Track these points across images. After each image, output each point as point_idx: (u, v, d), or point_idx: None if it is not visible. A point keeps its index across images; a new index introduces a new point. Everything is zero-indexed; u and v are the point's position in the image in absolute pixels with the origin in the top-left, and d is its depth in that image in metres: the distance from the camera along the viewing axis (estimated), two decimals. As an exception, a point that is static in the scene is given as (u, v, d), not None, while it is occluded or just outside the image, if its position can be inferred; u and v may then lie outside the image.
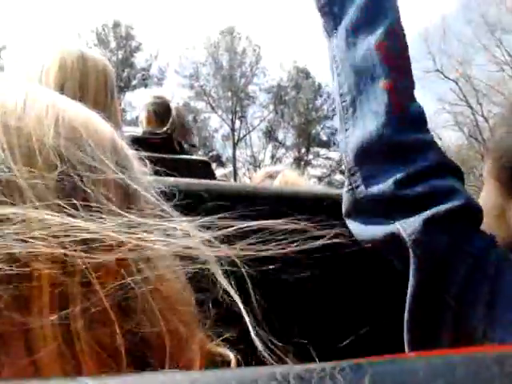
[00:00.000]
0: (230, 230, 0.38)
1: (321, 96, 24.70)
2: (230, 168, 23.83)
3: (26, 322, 0.29)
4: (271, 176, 1.54)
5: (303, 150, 24.60)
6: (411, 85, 0.68)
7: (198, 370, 0.35)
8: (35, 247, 0.29)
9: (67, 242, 0.30)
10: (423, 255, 0.59)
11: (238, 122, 24.30)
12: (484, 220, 0.63)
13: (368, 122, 0.65)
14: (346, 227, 0.68)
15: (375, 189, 0.64)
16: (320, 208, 0.76)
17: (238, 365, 0.40)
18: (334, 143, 24.37)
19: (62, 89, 0.97)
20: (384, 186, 0.63)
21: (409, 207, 0.62)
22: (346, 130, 0.68)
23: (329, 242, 0.74)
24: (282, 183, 1.48)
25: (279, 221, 0.44)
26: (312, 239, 0.74)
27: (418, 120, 0.67)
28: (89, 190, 0.33)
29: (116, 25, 23.64)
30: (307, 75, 24.62)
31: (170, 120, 1.82)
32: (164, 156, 1.34)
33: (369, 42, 0.67)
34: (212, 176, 1.52)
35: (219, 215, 0.39)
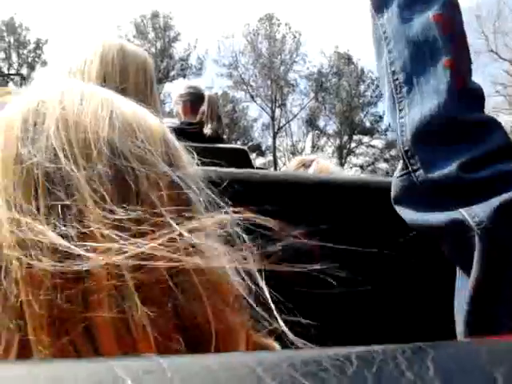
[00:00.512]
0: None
1: (364, 82, 24.28)
2: (269, 157, 23.83)
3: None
4: (305, 165, 1.54)
5: (345, 138, 24.29)
6: (469, 59, 0.65)
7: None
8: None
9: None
10: (491, 244, 0.56)
11: (277, 111, 24.24)
12: None
13: (427, 100, 0.62)
14: (389, 215, 0.67)
15: (437, 173, 0.60)
16: (360, 195, 0.76)
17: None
18: (378, 131, 23.94)
19: (103, 81, 1.00)
20: (447, 169, 0.59)
21: (474, 193, 0.58)
22: (400, 110, 0.64)
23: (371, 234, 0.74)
24: (316, 172, 1.48)
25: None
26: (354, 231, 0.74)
27: (479, 97, 0.64)
28: (140, 182, 0.36)
29: (154, 15, 23.94)
30: (349, 60, 24.23)
31: (201, 110, 1.85)
32: (202, 145, 1.37)
33: (426, 14, 0.63)
34: (250, 165, 1.54)
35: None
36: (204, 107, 1.88)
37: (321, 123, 24.77)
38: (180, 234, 0.35)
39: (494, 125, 0.63)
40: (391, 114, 0.65)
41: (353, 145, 24.60)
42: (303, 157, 1.65)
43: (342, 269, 0.72)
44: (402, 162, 0.64)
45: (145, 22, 23.87)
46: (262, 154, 24.18)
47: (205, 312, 0.34)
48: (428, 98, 0.62)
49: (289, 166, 1.68)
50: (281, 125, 24.32)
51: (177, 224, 0.35)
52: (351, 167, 23.75)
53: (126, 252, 0.32)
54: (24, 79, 8.22)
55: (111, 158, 0.36)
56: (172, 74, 24.06)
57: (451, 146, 0.61)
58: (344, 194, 0.77)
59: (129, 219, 0.34)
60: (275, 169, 20.37)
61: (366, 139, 24.32)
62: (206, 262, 0.35)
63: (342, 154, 23.64)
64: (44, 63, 22.84)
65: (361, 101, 24.08)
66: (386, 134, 23.99)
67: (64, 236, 0.32)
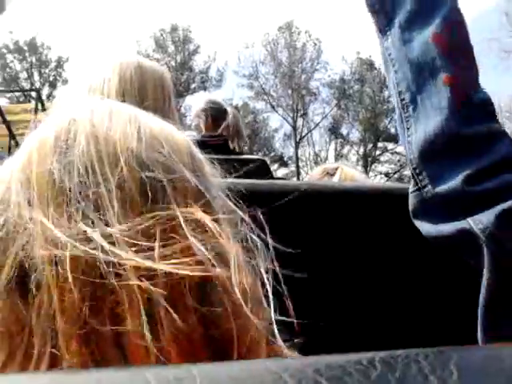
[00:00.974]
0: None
1: (387, 87, 24.06)
2: (292, 168, 23.82)
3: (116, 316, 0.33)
4: (329, 173, 1.55)
5: (370, 146, 24.13)
6: (474, 73, 0.67)
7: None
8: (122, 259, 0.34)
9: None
10: (498, 248, 0.58)
11: (299, 121, 24.25)
12: None
13: (431, 118, 0.65)
14: (410, 221, 0.68)
15: (443, 187, 0.63)
16: (383, 203, 0.76)
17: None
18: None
19: (123, 98, 1.03)
20: (453, 183, 0.62)
21: (481, 204, 0.60)
22: (408, 128, 0.67)
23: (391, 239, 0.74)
24: (340, 180, 1.49)
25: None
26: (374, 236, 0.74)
27: (483, 110, 0.66)
28: (167, 192, 0.38)
29: (174, 29, 24.32)
30: (371, 66, 24.14)
31: (224, 124, 1.91)
32: (222, 157, 1.41)
33: (424, 36, 0.66)
34: (270, 175, 1.56)
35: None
36: (226, 122, 1.92)
37: (344, 131, 24.71)
38: (205, 244, 0.37)
39: (498, 135, 0.64)
40: (401, 133, 0.69)
41: (377, 152, 24.43)
42: (326, 165, 1.66)
43: (366, 275, 0.73)
44: (412, 179, 0.67)
45: (164, 36, 24.27)
46: (284, 164, 24.18)
47: (228, 322, 0.36)
48: (431, 116, 0.64)
49: (312, 175, 1.69)
50: (303, 134, 24.32)
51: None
52: (375, 175, 23.55)
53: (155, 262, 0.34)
54: (40, 95, 8.44)
55: (139, 170, 0.38)
56: (193, 86, 24.35)
57: (456, 161, 0.63)
58: (368, 202, 0.78)
59: (154, 228, 0.36)
60: (298, 179, 20.33)
61: (390, 146, 24.11)
62: (230, 272, 0.37)
63: (367, 161, 23.48)
64: (65, 81, 23.40)
65: (385, 107, 23.92)
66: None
67: (96, 248, 0.34)
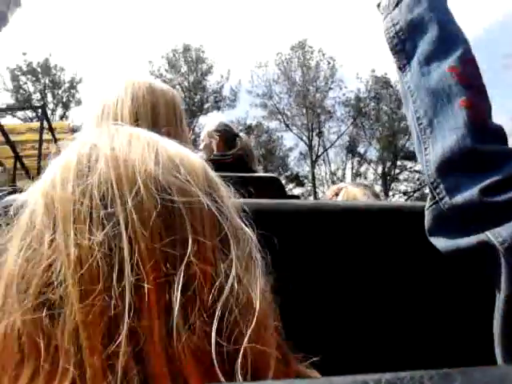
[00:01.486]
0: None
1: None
2: (308, 187, 23.82)
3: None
4: (336, 193, 1.58)
5: (388, 164, 24.07)
6: (488, 105, 0.72)
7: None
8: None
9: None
10: None
11: (314, 139, 24.32)
12: None
13: (448, 137, 0.69)
14: (422, 239, 0.70)
15: (460, 198, 0.65)
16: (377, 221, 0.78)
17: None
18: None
19: (136, 119, 1.06)
20: (469, 194, 0.64)
21: (498, 215, 0.62)
22: (426, 148, 0.71)
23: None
24: (344, 199, 1.53)
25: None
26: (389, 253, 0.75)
27: (498, 134, 0.70)
28: (184, 214, 0.40)
29: (186, 49, 24.72)
30: (387, 84, 24.23)
31: (238, 144, 1.99)
32: (234, 174, 1.44)
33: (442, 68, 0.73)
34: (282, 192, 1.60)
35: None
36: (238, 144, 2.01)
37: (361, 149, 24.72)
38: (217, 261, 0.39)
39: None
40: (419, 155, 0.73)
41: (397, 171, 24.35)
42: (337, 185, 1.70)
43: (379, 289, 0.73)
44: (429, 194, 0.70)
45: (177, 56, 24.65)
46: (300, 183, 24.20)
47: (242, 339, 0.37)
48: (448, 135, 0.69)
49: (326, 195, 1.74)
50: (318, 153, 24.37)
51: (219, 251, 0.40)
52: (394, 194, 23.43)
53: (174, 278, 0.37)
54: (45, 112, 8.15)
55: (157, 192, 0.40)
56: (206, 106, 24.62)
57: (472, 174, 0.66)
58: (365, 220, 0.79)
59: (173, 246, 0.38)
60: (314, 198, 20.31)
61: (410, 164, 24.04)
62: (245, 289, 0.39)
63: (386, 180, 23.40)
64: (78, 102, 23.86)
65: (402, 125, 23.91)
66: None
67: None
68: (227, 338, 0.37)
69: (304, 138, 24.39)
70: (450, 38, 0.75)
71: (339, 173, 24.49)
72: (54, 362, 0.35)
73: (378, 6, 0.84)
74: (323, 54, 24.54)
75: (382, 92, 24.18)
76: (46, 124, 7.86)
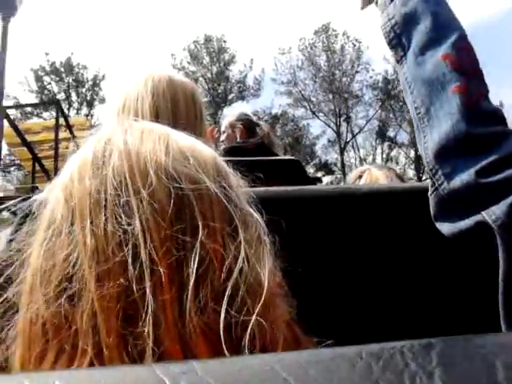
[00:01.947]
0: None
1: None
2: (338, 174, 23.66)
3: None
4: (360, 176, 1.59)
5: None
6: (485, 89, 0.75)
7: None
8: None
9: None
10: (510, 237, 0.62)
11: (343, 125, 24.12)
12: None
13: (443, 124, 0.72)
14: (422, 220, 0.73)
15: (457, 181, 0.68)
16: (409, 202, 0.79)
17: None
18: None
19: (156, 114, 1.09)
20: (466, 176, 0.67)
21: (493, 195, 0.65)
22: (424, 136, 0.74)
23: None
24: (367, 182, 1.53)
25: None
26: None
27: (495, 116, 0.72)
28: (194, 202, 0.43)
29: (208, 40, 24.77)
30: (416, 64, 23.74)
31: (260, 132, 2.03)
32: (255, 158, 1.48)
33: (436, 56, 0.75)
34: (304, 175, 1.62)
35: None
36: (262, 130, 2.09)
37: (391, 133, 24.41)
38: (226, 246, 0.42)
39: (505, 134, 0.70)
40: (419, 144, 0.76)
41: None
42: (360, 168, 1.70)
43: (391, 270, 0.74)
44: (430, 181, 0.73)
45: (198, 48, 24.72)
46: (330, 171, 24.07)
47: (250, 317, 0.40)
48: (443, 122, 0.72)
49: (348, 179, 1.75)
50: (347, 139, 24.17)
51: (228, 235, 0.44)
52: (427, 178, 23.03)
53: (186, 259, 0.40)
54: (60, 106, 7.63)
55: (168, 181, 0.44)
56: (230, 97, 24.66)
57: (467, 158, 0.69)
58: (378, 203, 0.81)
59: (184, 232, 0.41)
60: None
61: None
62: (254, 270, 0.42)
63: (419, 164, 23.07)
64: (102, 100, 24.22)
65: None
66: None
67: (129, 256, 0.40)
68: (236, 317, 0.39)
69: (331, 124, 24.24)
70: (443, 27, 0.78)
71: (369, 158, 24.27)
72: (75, 345, 0.38)
73: (376, 3, 0.87)
74: (348, 37, 24.29)
75: (410, 73, 23.71)
76: (64, 121, 7.42)
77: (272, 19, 34.37)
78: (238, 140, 2.14)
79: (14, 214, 0.58)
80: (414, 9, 0.80)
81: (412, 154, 23.75)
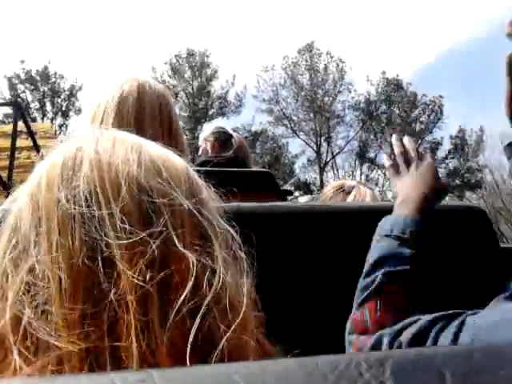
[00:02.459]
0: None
1: (417, 107, 24.14)
2: (316, 194, 23.73)
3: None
4: (345, 191, 1.56)
5: (400, 170, 23.89)
6: None
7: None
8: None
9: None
10: None
11: (324, 145, 24.33)
12: None
13: None
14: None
15: None
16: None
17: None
18: (435, 159, 23.49)
19: (121, 120, 1.10)
20: None
21: None
22: None
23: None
24: (356, 199, 1.51)
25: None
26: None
27: None
28: (164, 216, 0.43)
29: (190, 54, 24.84)
30: (398, 86, 24.23)
31: (234, 145, 2.04)
32: (228, 169, 1.49)
33: None
34: (275, 187, 1.63)
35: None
36: (233, 145, 2.08)
37: (371, 154, 24.67)
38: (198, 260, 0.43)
39: None
40: None
41: (409, 176, 24.16)
42: (345, 181, 1.65)
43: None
44: None
45: (180, 62, 24.77)
46: (309, 191, 24.18)
47: (217, 328, 0.40)
48: None
49: (325, 192, 1.67)
50: (327, 159, 24.35)
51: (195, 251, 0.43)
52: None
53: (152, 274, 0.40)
54: (21, 111, 6.83)
55: (139, 194, 0.44)
56: (211, 113, 24.66)
57: None
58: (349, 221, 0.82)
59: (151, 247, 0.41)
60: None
61: (423, 169, 23.84)
62: (226, 288, 0.43)
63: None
64: (78, 111, 24.01)
65: (414, 128, 23.84)
66: (444, 162, 23.66)
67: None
68: (204, 336, 0.39)
69: (312, 143, 24.42)
70: None
71: (349, 179, 24.41)
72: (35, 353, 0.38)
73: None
74: (331, 57, 24.61)
75: (393, 94, 24.16)
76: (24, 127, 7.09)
77: (256, 36, 34.82)
78: (210, 154, 2.15)
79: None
80: None
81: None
